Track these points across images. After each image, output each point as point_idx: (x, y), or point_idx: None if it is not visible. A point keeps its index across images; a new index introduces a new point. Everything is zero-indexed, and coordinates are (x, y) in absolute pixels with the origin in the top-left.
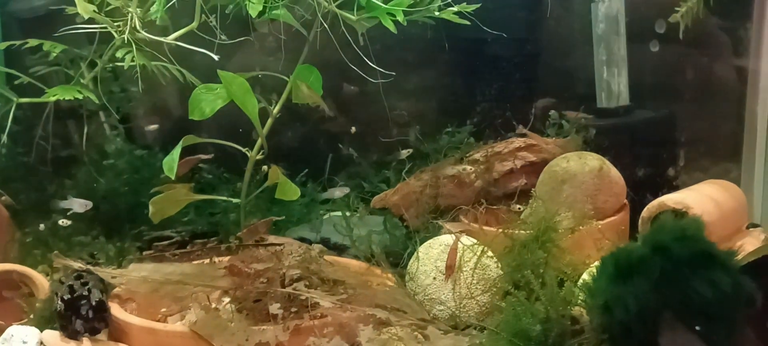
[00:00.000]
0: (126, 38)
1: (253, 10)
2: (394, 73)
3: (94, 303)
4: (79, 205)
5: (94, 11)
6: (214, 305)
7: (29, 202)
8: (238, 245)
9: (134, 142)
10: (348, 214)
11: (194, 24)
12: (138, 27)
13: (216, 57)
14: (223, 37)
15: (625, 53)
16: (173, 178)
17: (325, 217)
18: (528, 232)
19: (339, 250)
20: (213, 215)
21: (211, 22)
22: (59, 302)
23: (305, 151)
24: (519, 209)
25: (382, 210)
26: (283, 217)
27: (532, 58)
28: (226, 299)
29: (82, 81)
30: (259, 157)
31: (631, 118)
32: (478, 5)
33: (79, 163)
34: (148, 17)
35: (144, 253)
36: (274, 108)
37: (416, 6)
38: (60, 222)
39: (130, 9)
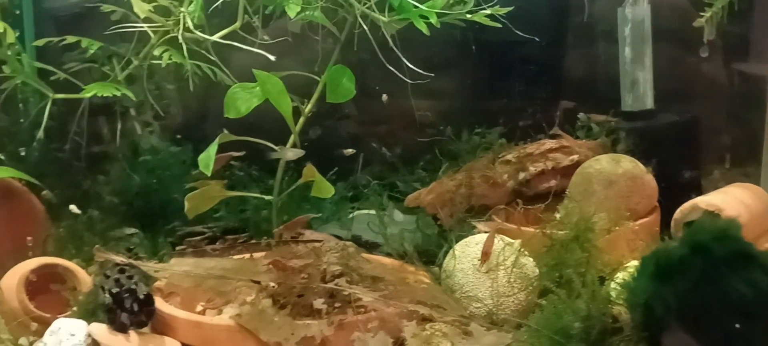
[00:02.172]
0: (180, 37)
1: (292, 10)
2: (432, 75)
3: (141, 297)
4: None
5: (150, 11)
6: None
7: (64, 197)
8: (279, 240)
9: (169, 138)
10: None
11: (237, 24)
12: (191, 26)
13: (272, 57)
14: (266, 37)
15: (650, 57)
16: (209, 174)
17: (355, 214)
18: (566, 232)
19: (370, 247)
20: (243, 211)
21: (254, 22)
22: (107, 296)
23: (335, 150)
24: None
25: (414, 209)
26: (320, 214)
27: (559, 61)
28: (262, 295)
29: (118, 78)
30: None
31: (655, 122)
32: (511, 8)
33: (113, 159)
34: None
35: (176, 248)
36: (306, 107)
37: (448, 8)
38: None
39: (182, 9)
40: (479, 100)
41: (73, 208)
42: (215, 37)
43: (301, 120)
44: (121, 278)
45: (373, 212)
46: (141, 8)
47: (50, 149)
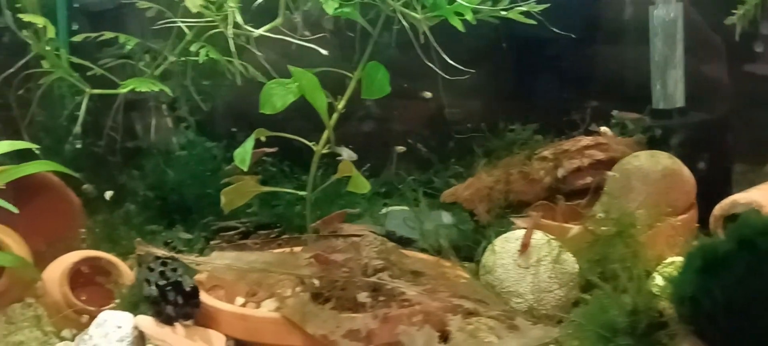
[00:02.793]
0: (229, 32)
1: (329, 7)
2: (472, 71)
3: (187, 289)
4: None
5: (201, 6)
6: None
7: (100, 191)
8: (319, 235)
9: (203, 134)
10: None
11: (279, 20)
12: (240, 22)
13: (325, 52)
14: (307, 33)
15: (681, 56)
16: (246, 169)
17: (388, 210)
18: (608, 227)
19: (404, 243)
20: (276, 206)
21: (294, 18)
22: (153, 288)
23: (369, 146)
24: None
25: (450, 204)
26: (357, 210)
27: (590, 59)
28: (304, 288)
29: (153, 73)
30: (324, 150)
31: (685, 119)
32: (547, 5)
33: (148, 154)
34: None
35: (210, 242)
36: (339, 103)
37: (483, 5)
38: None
39: (231, 5)
40: (510, 96)
41: (108, 194)
42: (261, 31)
43: (335, 116)
44: (167, 270)
45: (404, 207)
46: (193, 3)
47: (86, 144)
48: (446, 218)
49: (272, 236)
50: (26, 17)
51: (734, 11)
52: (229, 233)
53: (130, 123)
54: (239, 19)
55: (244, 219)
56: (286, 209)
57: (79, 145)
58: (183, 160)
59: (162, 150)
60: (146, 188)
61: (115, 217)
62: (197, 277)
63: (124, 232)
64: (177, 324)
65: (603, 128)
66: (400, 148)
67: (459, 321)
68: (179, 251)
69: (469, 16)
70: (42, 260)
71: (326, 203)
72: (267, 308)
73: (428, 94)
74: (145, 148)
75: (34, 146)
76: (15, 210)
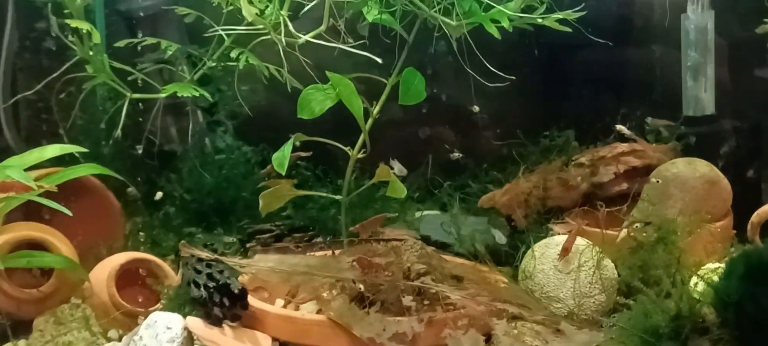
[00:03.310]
0: (282, 41)
1: (371, 15)
2: (513, 77)
3: (235, 291)
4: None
5: (257, 14)
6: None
7: (140, 193)
8: (361, 239)
9: (240, 138)
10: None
11: (322, 27)
12: (291, 29)
13: (379, 60)
14: (350, 40)
15: (712, 63)
16: (284, 173)
17: (422, 214)
18: (649, 233)
19: (440, 248)
20: (310, 209)
21: (338, 26)
22: (202, 290)
23: (404, 151)
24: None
25: (487, 210)
26: (396, 214)
27: (622, 66)
28: (349, 291)
29: (191, 78)
30: (360, 155)
31: (715, 126)
32: (584, 12)
33: (185, 157)
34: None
35: (246, 244)
36: (374, 109)
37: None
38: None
39: (281, 12)
40: (542, 102)
41: (159, 195)
42: (307, 37)
43: (370, 121)
44: (214, 272)
45: (438, 212)
46: (248, 11)
47: (125, 146)
48: (499, 236)
49: (307, 238)
50: (73, 23)
51: (766, 20)
52: (263, 236)
53: (167, 126)
54: (291, 26)
55: (278, 222)
56: (320, 212)
57: (114, 150)
58: (220, 163)
59: (199, 153)
60: (184, 190)
61: (153, 219)
62: (240, 279)
63: (163, 233)
64: (225, 325)
65: (618, 126)
66: (456, 155)
67: (504, 325)
68: (221, 254)
69: (505, 24)
70: (84, 261)
71: (360, 206)
72: (307, 310)
73: (476, 109)
74: (182, 152)
75: (81, 150)
76: (68, 213)
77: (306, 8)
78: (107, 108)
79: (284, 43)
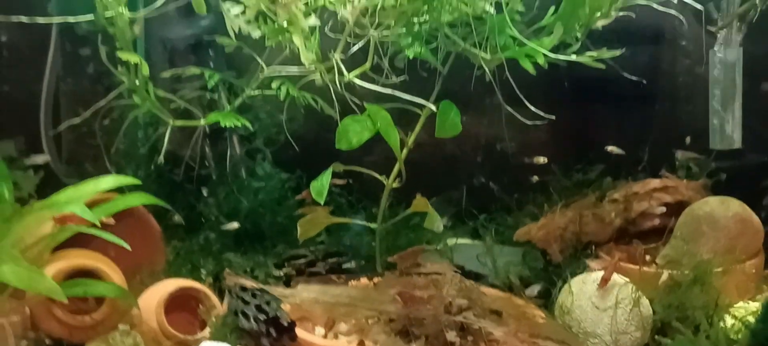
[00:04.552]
0: (336, 82)
1: (411, 52)
2: (552, 117)
3: (285, 323)
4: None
5: (314, 60)
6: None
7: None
8: (402, 270)
9: (278, 165)
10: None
11: (367, 65)
12: (344, 72)
13: (433, 107)
14: (394, 78)
15: (740, 98)
16: (322, 202)
17: (455, 244)
18: (683, 271)
19: (473, 278)
20: (343, 237)
21: (383, 65)
22: (252, 322)
23: (439, 182)
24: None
25: (522, 243)
26: (437, 246)
27: (649, 100)
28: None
29: (231, 107)
30: (395, 185)
31: (742, 161)
32: (620, 51)
33: (223, 182)
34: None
35: (280, 269)
36: (409, 139)
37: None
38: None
39: (335, 55)
40: (573, 137)
41: (233, 226)
42: (351, 76)
43: (405, 150)
44: (262, 303)
45: (469, 241)
46: (307, 58)
47: (167, 173)
48: (532, 291)
49: (339, 263)
50: (124, 55)
51: None
52: (298, 262)
53: (205, 152)
54: (343, 69)
55: (312, 248)
56: (354, 239)
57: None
58: (257, 190)
59: (237, 180)
60: (222, 215)
61: (192, 243)
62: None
63: (201, 258)
64: None
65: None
66: (541, 159)
67: None
68: (266, 282)
69: (540, 60)
70: (128, 285)
71: (393, 234)
72: (347, 340)
73: (542, 160)
74: (220, 177)
75: (134, 182)
76: (128, 247)
77: (354, 48)
78: (149, 134)
79: (338, 85)
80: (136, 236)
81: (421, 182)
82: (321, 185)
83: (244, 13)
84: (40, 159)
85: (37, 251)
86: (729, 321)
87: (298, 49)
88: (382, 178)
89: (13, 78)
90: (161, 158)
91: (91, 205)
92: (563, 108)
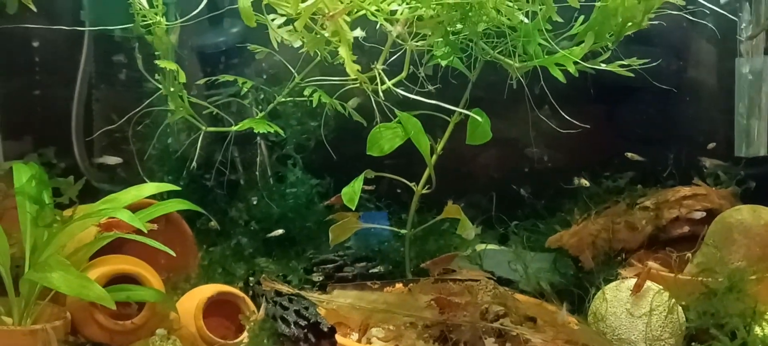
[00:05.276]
0: (379, 91)
1: (444, 59)
2: (587, 126)
3: (325, 330)
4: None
5: (358, 71)
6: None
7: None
8: (437, 277)
9: (308, 171)
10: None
11: (403, 74)
12: (387, 82)
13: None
14: (431, 88)
15: (766, 106)
16: (353, 208)
17: (484, 249)
18: (717, 279)
19: (505, 284)
20: (371, 241)
21: (419, 74)
22: (292, 328)
23: (468, 188)
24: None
25: (552, 249)
26: (468, 253)
27: (676, 107)
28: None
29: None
30: (424, 191)
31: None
32: (648, 60)
33: (253, 187)
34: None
35: (309, 273)
36: (438, 146)
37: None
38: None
39: (377, 67)
40: (603, 142)
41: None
42: (389, 84)
43: (434, 157)
44: (300, 309)
45: (500, 247)
46: (352, 69)
47: (199, 178)
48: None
49: (367, 269)
50: (162, 63)
51: None
52: (327, 266)
53: (235, 158)
54: (386, 79)
55: (340, 252)
56: (382, 244)
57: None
58: (288, 195)
59: (268, 185)
60: (253, 220)
61: (224, 248)
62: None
63: (233, 262)
64: None
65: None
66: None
67: None
68: (299, 287)
69: (571, 69)
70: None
71: (422, 240)
72: (381, 344)
73: (585, 183)
74: (250, 182)
75: (174, 188)
76: (173, 253)
77: (392, 58)
78: (181, 140)
79: (380, 94)
80: (171, 241)
81: (448, 189)
82: (353, 191)
83: (286, 23)
84: (111, 160)
85: (79, 257)
86: (767, 328)
87: (341, 59)
88: (412, 184)
89: (46, 84)
90: (194, 164)
91: (131, 211)
92: (594, 116)
